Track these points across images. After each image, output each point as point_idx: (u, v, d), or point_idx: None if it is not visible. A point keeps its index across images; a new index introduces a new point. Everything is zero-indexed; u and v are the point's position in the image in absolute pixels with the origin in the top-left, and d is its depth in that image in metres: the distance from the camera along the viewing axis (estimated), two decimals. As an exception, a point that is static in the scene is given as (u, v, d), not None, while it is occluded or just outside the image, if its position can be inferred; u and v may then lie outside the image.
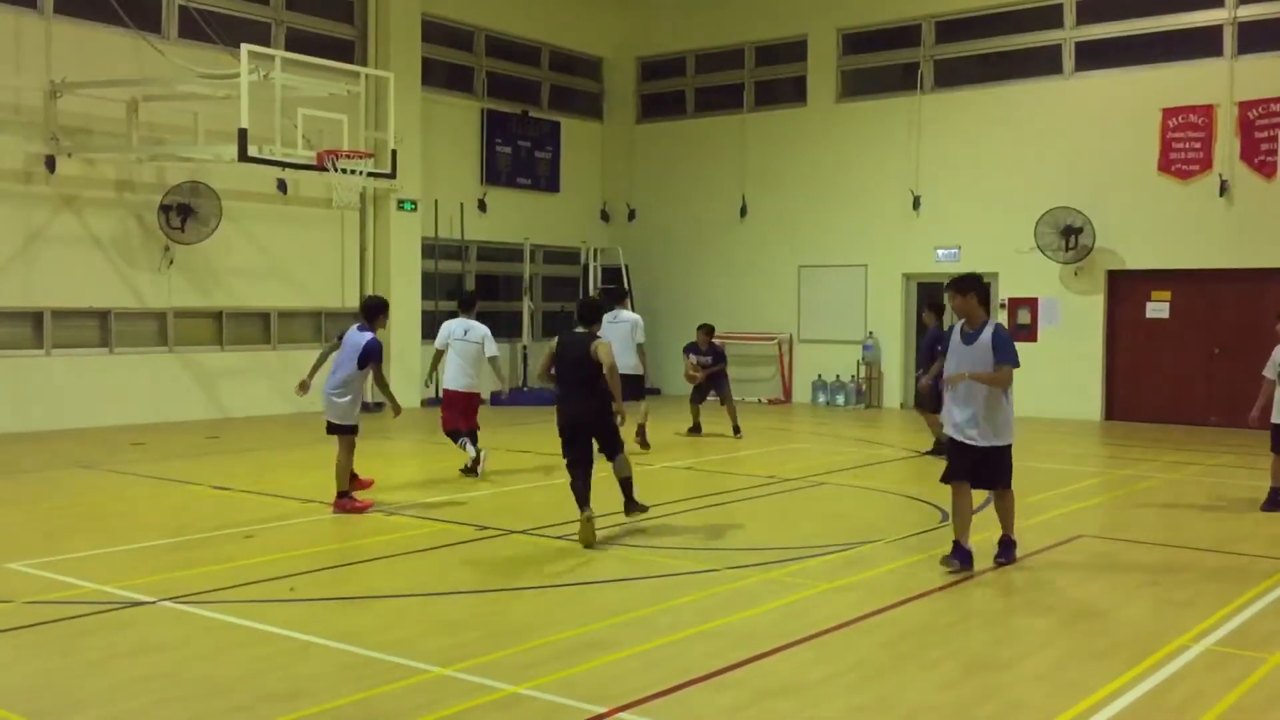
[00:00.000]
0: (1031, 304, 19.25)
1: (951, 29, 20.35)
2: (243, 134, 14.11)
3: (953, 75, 20.31)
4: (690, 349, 16.47)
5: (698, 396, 16.20)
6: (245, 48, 14.20)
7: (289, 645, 6.14)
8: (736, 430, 15.56)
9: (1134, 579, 7.95)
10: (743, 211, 22.27)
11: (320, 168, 15.07)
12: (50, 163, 15.35)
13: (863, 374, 20.83)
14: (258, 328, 18.27)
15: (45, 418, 15.34)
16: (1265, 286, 17.26)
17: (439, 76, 20.92)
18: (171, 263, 16.64)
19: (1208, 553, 8.77)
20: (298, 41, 18.07)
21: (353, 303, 19.55)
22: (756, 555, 8.46)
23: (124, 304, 16.34)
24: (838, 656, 6.03)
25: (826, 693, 5.50)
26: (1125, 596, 7.47)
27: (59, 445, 13.90)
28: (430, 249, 20.42)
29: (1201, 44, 17.87)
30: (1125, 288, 18.65)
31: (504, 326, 22.23)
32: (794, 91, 22.01)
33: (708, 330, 16.50)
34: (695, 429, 15.87)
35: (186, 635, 6.38)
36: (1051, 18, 19.21)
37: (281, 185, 17.72)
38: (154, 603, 6.93)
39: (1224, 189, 17.50)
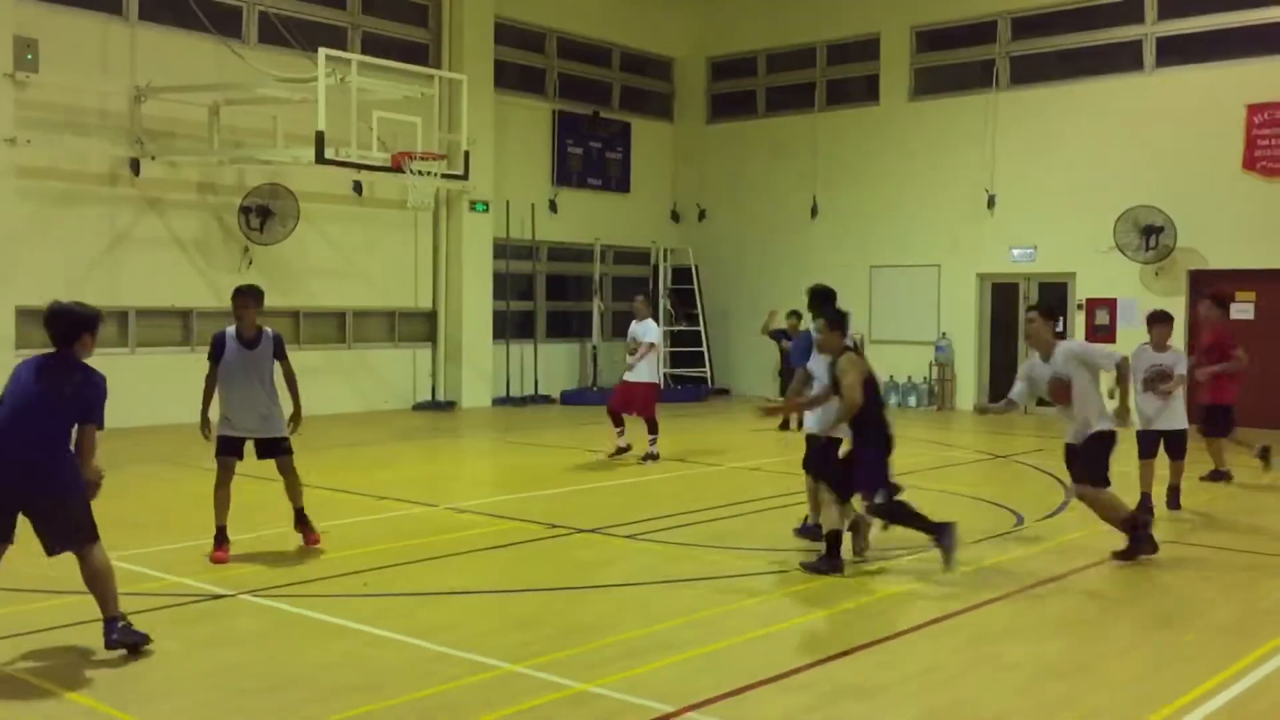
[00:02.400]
0: (1110, 305, 18.87)
1: (1028, 25, 20.02)
2: (320, 137, 14.36)
3: (1029, 72, 19.99)
4: (779, 335, 16.45)
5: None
6: (323, 52, 14.45)
7: (363, 639, 6.24)
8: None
9: (1218, 584, 7.77)
10: (813, 211, 22.13)
11: (395, 169, 15.28)
12: (135, 165, 15.76)
13: (935, 375, 20.59)
14: (333, 327, 18.58)
15: (130, 414, 15.66)
16: (1356, 287, 16.73)
17: (511, 78, 21.09)
18: (250, 263, 16.97)
19: (1293, 560, 8.54)
20: (373, 45, 18.35)
21: (425, 303, 19.83)
22: (827, 557, 8.40)
23: (205, 303, 16.70)
24: (910, 660, 5.98)
25: (898, 696, 5.45)
26: (1209, 602, 7.30)
27: (143, 441, 14.24)
28: (501, 249, 20.59)
29: (1290, 37, 17.40)
30: (1208, 288, 18.18)
31: (574, 327, 22.38)
32: (866, 90, 21.83)
33: (798, 315, 16.54)
34: (785, 425, 15.91)
35: (263, 628, 6.51)
36: (1132, 12, 18.82)
37: (357, 187, 18.01)
38: (232, 596, 7.08)
39: (1312, 187, 17.00)
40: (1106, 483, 8.30)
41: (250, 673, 5.69)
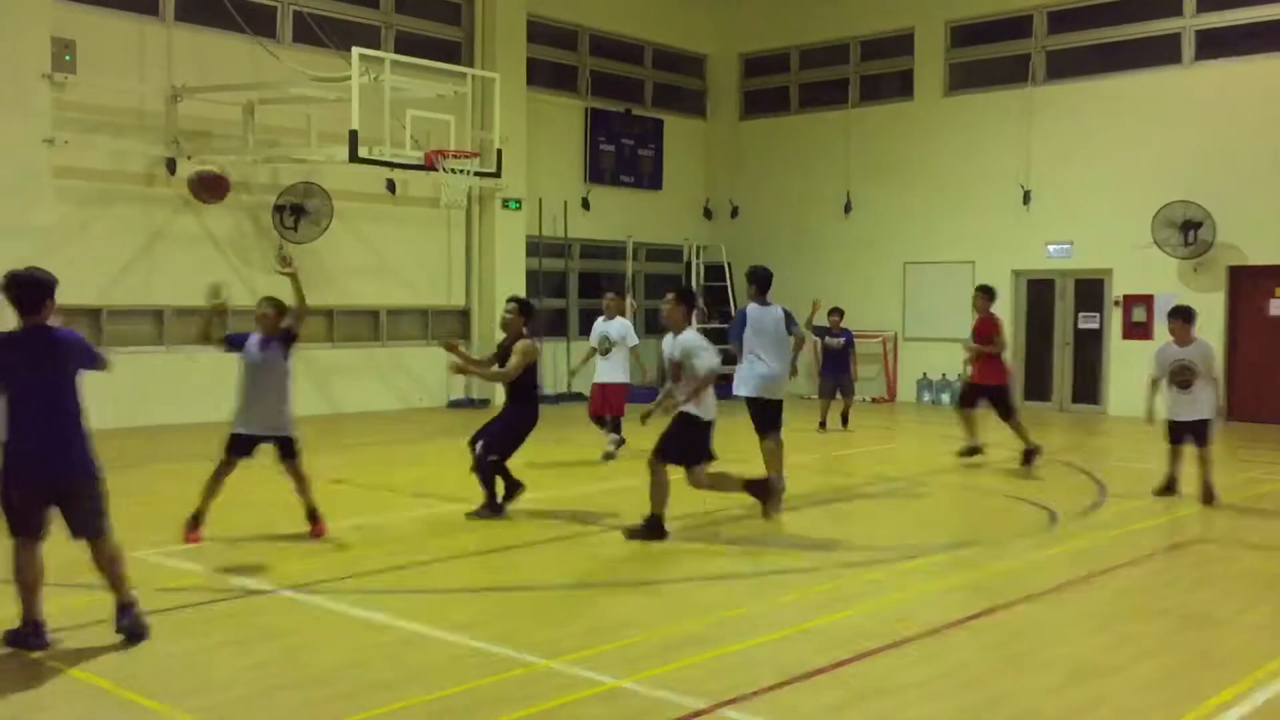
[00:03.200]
0: (1148, 301, 18.68)
1: (1064, 19, 19.85)
2: (353, 135, 14.46)
3: (1066, 66, 19.82)
4: (821, 331, 16.41)
5: (829, 390, 16.32)
6: (356, 51, 14.55)
7: (398, 635, 6.29)
8: (845, 420, 16.11)
9: (1252, 585, 7.69)
10: (847, 208, 22.05)
11: (428, 168, 15.36)
12: (171, 165, 15.93)
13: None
14: (367, 325, 18.71)
15: (165, 412, 15.90)
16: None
17: (543, 76, 21.14)
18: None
19: (1334, 560, 8.43)
20: (407, 44, 18.45)
21: (459, 300, 19.92)
22: (859, 554, 8.39)
23: (240, 302, 16.76)
24: (941, 658, 5.96)
25: (929, 694, 5.44)
26: (1243, 603, 7.22)
27: (179, 439, 14.40)
28: (534, 247, 20.65)
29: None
30: (1248, 284, 17.98)
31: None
32: (900, 86, 21.72)
33: (840, 313, 16.59)
34: (824, 425, 15.98)
35: (300, 624, 6.57)
36: (1170, 5, 18.60)
37: (390, 185, 18.12)
38: (272, 592, 7.16)
39: (1354, 181, 16.75)
40: None
41: (284, 668, 5.75)
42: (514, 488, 9.66)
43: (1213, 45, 18.26)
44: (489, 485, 9.56)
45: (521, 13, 20.08)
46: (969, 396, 13.27)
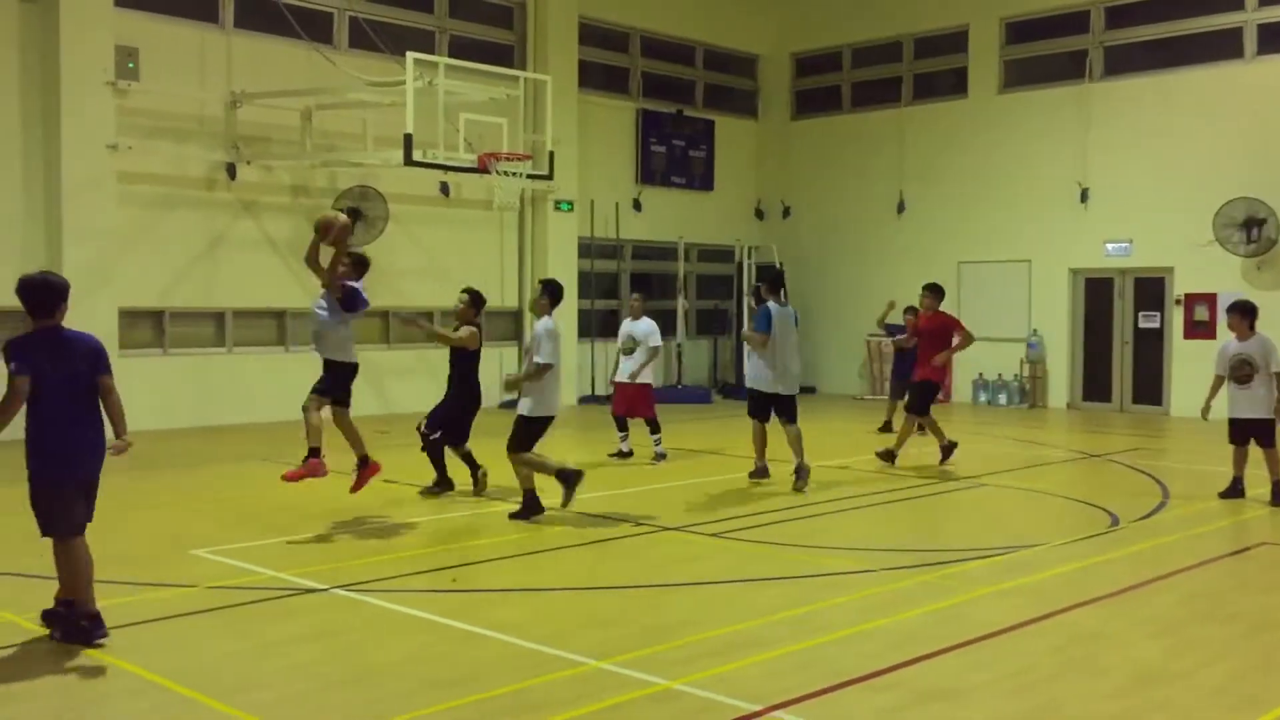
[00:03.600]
0: (1210, 300, 18.32)
1: (1122, 14, 19.54)
2: (408, 139, 14.58)
3: (1124, 62, 19.50)
4: (894, 330, 16.22)
5: (899, 391, 15.92)
6: (411, 56, 14.67)
7: (451, 634, 6.33)
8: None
9: (1323, 590, 7.51)
10: (900, 207, 21.87)
11: (481, 170, 15.45)
12: (231, 170, 16.18)
13: (1026, 373, 20.20)
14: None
15: (227, 413, 16.14)
16: None
17: (595, 78, 21.19)
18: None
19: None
20: (460, 48, 18.58)
21: (512, 302, 20.02)
22: (914, 557, 8.31)
23: (299, 304, 17.04)
24: (999, 661, 5.88)
25: (987, 697, 5.36)
26: (1313, 608, 7.05)
27: (239, 439, 14.62)
28: (586, 248, 20.70)
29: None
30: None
31: (659, 325, 22.37)
32: (954, 83, 21.50)
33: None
34: (888, 426, 15.80)
35: (355, 622, 6.63)
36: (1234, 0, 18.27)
37: (444, 188, 18.26)
38: (326, 590, 7.23)
39: None
40: None
41: (339, 666, 5.80)
42: (476, 470, 10.73)
43: (1275, 39, 17.88)
44: (438, 464, 10.73)
45: (573, 15, 20.14)
46: (918, 398, 13.09)
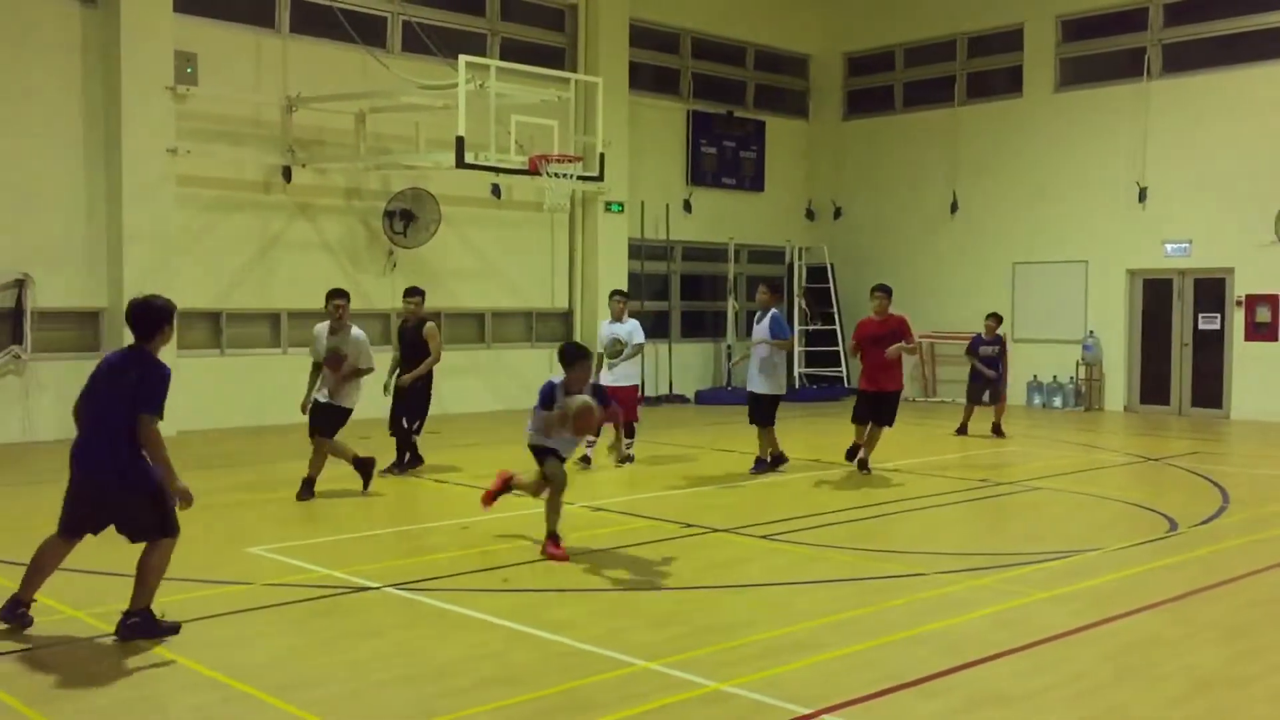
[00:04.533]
0: (1272, 301, 17.96)
1: (1181, 11, 19.22)
2: (460, 142, 14.66)
3: (1183, 59, 19.18)
4: (980, 343, 16.10)
5: (978, 395, 15.95)
6: (463, 59, 14.76)
7: (503, 633, 6.36)
8: (997, 429, 15.75)
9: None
10: (953, 208, 21.67)
11: (532, 172, 15.50)
12: (286, 173, 16.39)
13: (1082, 375, 19.92)
14: (473, 327, 18.98)
15: (281, 412, 16.29)
16: None
17: (646, 79, 21.21)
18: (395, 265, 17.46)
19: None
20: (511, 50, 18.67)
21: (562, 303, 20.09)
22: (967, 560, 8.22)
23: (352, 306, 17.20)
24: (1055, 667, 5.80)
25: (1043, 704, 5.29)
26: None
27: (293, 438, 14.77)
28: (636, 249, 20.72)
29: None
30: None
31: (708, 326, 22.39)
32: (1009, 82, 21.26)
33: (996, 319, 16.35)
34: (964, 429, 15.80)
35: (409, 620, 6.69)
36: (1297, -7, 17.90)
37: (495, 190, 18.37)
38: (379, 588, 7.29)
39: None
40: None
41: (392, 664, 5.85)
42: (417, 461, 12.06)
43: (1342, 34, 17.49)
44: (411, 449, 12.03)
45: (624, 17, 20.16)
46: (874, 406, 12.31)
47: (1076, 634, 6.33)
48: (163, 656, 5.89)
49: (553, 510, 8.32)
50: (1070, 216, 20.11)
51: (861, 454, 12.25)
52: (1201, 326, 18.97)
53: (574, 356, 8.38)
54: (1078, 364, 19.93)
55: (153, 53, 15.03)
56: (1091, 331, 19.86)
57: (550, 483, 8.36)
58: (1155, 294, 19.50)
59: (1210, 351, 18.83)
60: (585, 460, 12.47)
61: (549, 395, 8.29)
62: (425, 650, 6.07)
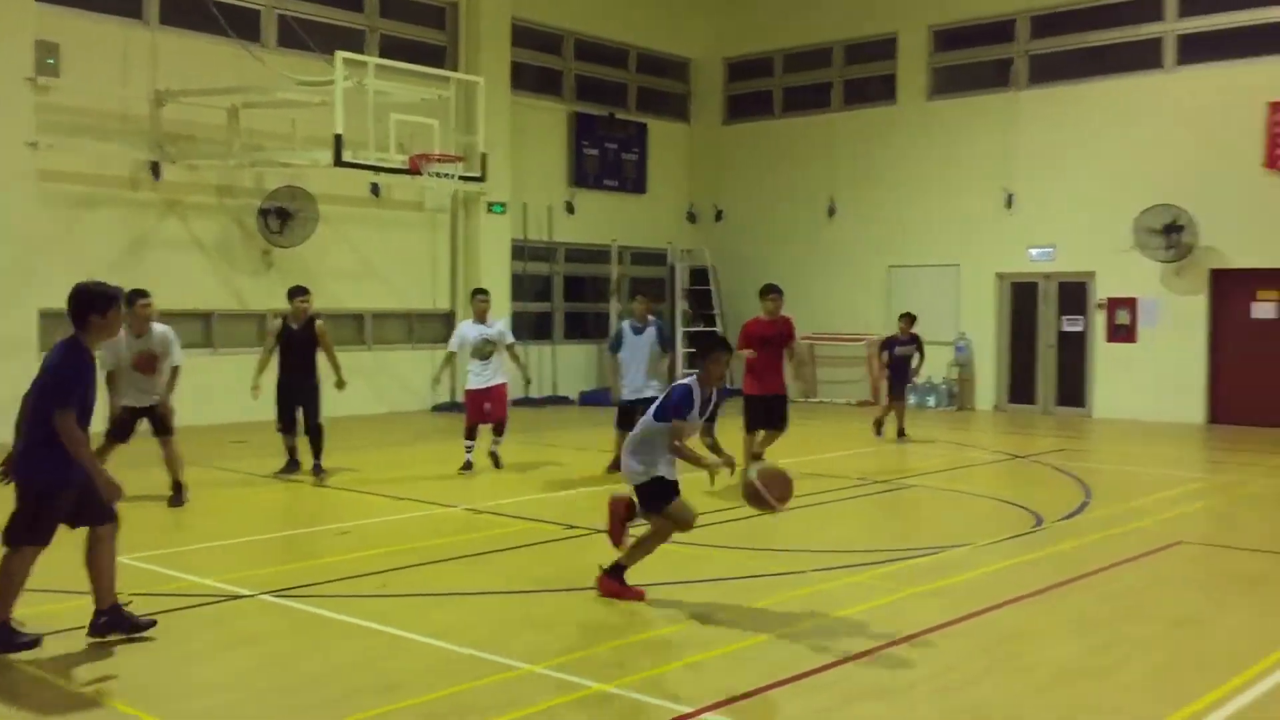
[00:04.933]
0: (1130, 304, 18.78)
1: (1047, 23, 19.95)
2: (338, 140, 14.43)
3: (1049, 71, 19.91)
4: (895, 343, 16.04)
5: (900, 392, 15.86)
6: (340, 55, 14.52)
7: (382, 640, 6.27)
8: (902, 433, 15.66)
9: (1236, 587, 7.72)
10: (831, 211, 22.11)
11: (413, 172, 15.34)
12: (156, 169, 15.87)
13: (955, 375, 20.52)
14: (352, 329, 18.65)
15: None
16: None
17: (528, 80, 21.15)
18: (271, 265, 17.06)
19: (1316, 561, 8.48)
20: (391, 48, 18.43)
21: (444, 304, 19.89)
22: (843, 558, 8.40)
23: (226, 306, 16.80)
24: (928, 661, 5.96)
25: (917, 697, 5.44)
26: (1227, 604, 7.26)
27: (154, 444, 14.29)
28: (519, 250, 20.64)
29: (1310, 35, 17.28)
30: (1230, 287, 18.09)
31: (591, 328, 22.41)
32: (884, 90, 21.79)
33: (910, 319, 16.25)
34: (883, 431, 15.76)
35: (283, 629, 6.54)
36: (1151, 10, 18.73)
37: (375, 189, 18.09)
38: (253, 596, 7.12)
39: (1334, 184, 16.88)
40: None
41: (270, 673, 5.72)
42: (295, 467, 11.95)
43: (1194, 50, 18.38)
44: (315, 447, 11.83)
45: (506, 16, 20.07)
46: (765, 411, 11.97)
47: (947, 628, 6.52)
48: (27, 673, 5.66)
49: (644, 551, 7.12)
50: (943, 221, 20.70)
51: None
52: (1065, 328, 19.72)
53: (713, 344, 7.26)
54: (950, 365, 20.52)
55: (12, 42, 14.42)
56: (963, 333, 20.47)
57: (675, 527, 7.08)
58: (1022, 297, 20.20)
59: (1073, 352, 19.59)
60: (467, 466, 12.32)
61: (687, 399, 7.00)
62: (301, 659, 5.95)
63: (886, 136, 21.41)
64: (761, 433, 11.97)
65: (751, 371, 11.93)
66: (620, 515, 7.24)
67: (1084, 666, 5.89)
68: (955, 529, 9.65)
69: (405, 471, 12.49)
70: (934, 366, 20.65)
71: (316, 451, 11.92)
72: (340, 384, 11.89)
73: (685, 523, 7.05)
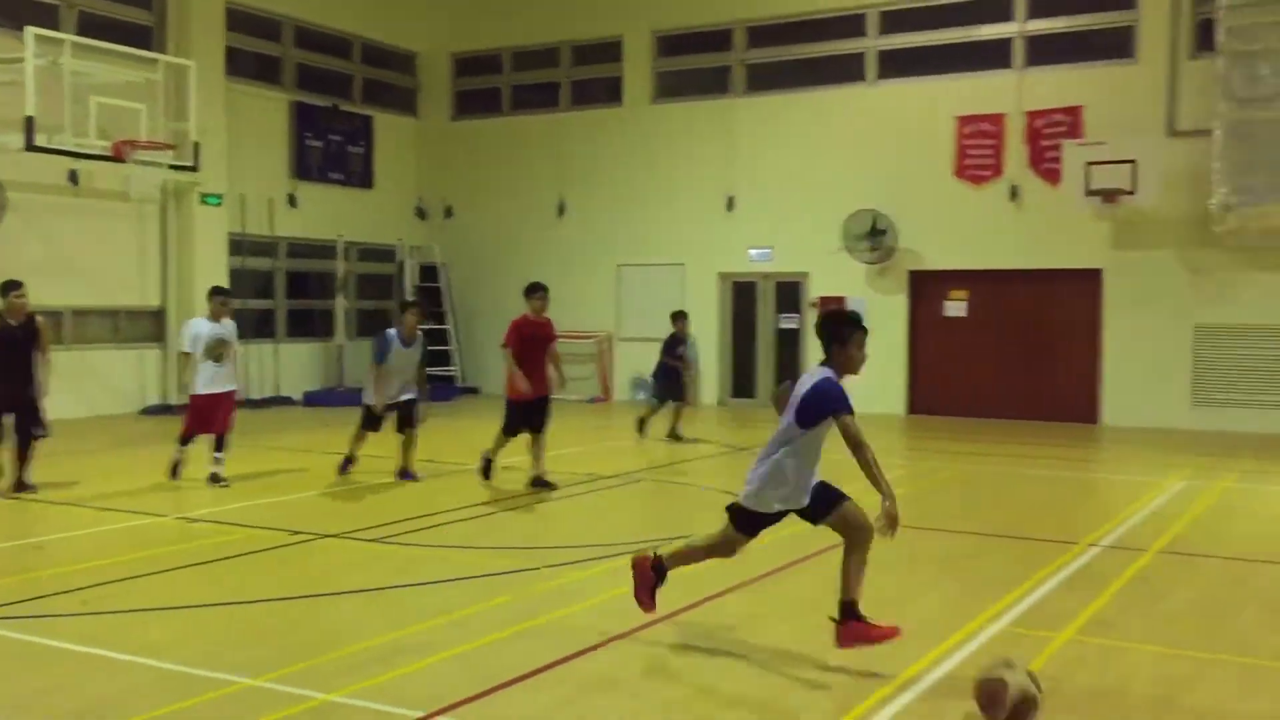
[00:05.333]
0: (840, 302, 19.92)
1: (763, 35, 20.87)
2: (29, 122, 13.33)
3: (765, 80, 20.84)
4: (676, 343, 15.89)
5: (676, 393, 15.71)
6: (30, 30, 13.40)
7: (88, 661, 5.82)
8: (677, 434, 15.49)
9: (934, 566, 8.32)
10: (560, 210, 22.31)
11: (116, 159, 14.37)
12: None
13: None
14: (49, 328, 17.20)
15: None
16: (1052, 286, 18.41)
17: (245, 66, 20.20)
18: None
19: (1001, 538, 9.26)
20: (90, 26, 17.13)
21: (154, 300, 18.71)
22: (576, 553, 8.49)
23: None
24: (655, 652, 6.10)
25: (645, 687, 5.56)
26: (927, 582, 7.81)
27: None
28: (238, 244, 19.69)
29: (993, 56, 18.88)
30: (926, 287, 19.53)
31: (317, 326, 21.67)
32: (610, 92, 22.17)
33: (685, 316, 16.32)
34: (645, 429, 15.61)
35: (-32, 656, 5.97)
36: (855, 27, 19.95)
37: (73, 176, 16.77)
38: (-69, 623, 6.46)
39: (1014, 194, 18.53)
40: None
41: (-49, 706, 5.20)
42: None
43: (893, 65, 19.71)
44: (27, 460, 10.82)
45: (219, -1, 19.09)
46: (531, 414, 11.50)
47: (674, 616, 6.70)
48: None
49: (858, 568, 6.01)
50: (668, 222, 21.29)
51: (505, 472, 11.63)
52: (782, 326, 20.72)
53: (846, 321, 6.00)
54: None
55: None
56: (690, 331, 21.09)
57: (865, 534, 6.02)
58: (743, 296, 21.06)
59: (790, 349, 20.61)
60: (175, 472, 11.55)
61: (840, 394, 5.86)
62: (-10, 688, 5.44)
63: (614, 137, 21.80)
64: (525, 435, 11.41)
65: (521, 372, 11.33)
66: (648, 581, 6.28)
67: (795, 650, 6.18)
68: (683, 521, 9.93)
69: (110, 480, 11.66)
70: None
71: (24, 460, 10.81)
72: (44, 393, 10.86)
73: (862, 529, 5.97)
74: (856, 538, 5.94)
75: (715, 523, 6.38)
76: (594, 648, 6.08)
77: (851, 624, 5.83)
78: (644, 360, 21.21)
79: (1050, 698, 5.22)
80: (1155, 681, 5.69)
